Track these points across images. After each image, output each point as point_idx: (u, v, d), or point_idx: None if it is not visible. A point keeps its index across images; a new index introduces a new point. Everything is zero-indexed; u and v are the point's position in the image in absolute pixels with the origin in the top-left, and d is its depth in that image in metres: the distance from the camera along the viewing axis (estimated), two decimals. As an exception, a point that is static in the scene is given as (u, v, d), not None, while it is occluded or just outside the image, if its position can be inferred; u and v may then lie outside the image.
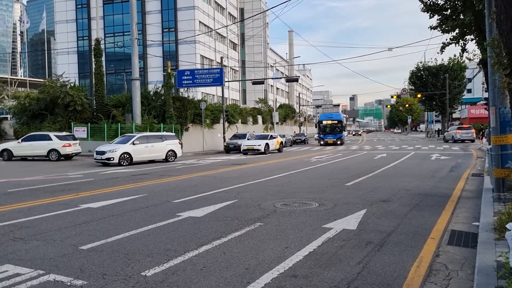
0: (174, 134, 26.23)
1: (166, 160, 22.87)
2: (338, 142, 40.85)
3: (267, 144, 29.35)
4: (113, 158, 20.45)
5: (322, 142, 41.49)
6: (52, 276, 4.63)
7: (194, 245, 5.77)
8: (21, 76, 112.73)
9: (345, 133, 63.91)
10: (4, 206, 9.35)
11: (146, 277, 4.55)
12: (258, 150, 28.65)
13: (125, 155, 20.89)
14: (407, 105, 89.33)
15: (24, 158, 24.92)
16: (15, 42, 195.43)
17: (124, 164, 20.64)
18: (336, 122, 42.78)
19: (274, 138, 31.58)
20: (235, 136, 35.52)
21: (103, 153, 20.71)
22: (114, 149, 20.71)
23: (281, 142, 32.48)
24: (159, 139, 22.91)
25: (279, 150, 31.63)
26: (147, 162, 22.20)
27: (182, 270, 4.78)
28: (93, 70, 35.71)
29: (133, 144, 21.33)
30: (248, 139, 32.43)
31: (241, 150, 29.35)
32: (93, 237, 6.33)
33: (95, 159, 21.09)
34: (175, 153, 23.41)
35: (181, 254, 5.36)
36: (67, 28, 60.57)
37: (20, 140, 25.93)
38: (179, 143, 23.95)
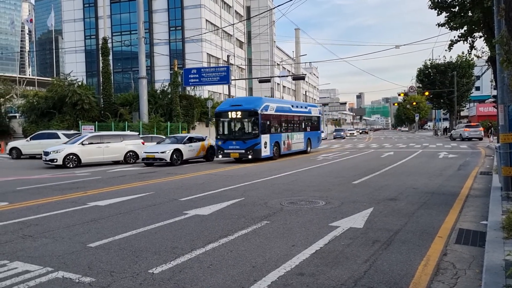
0: (137, 134, 24.17)
1: (125, 161, 20.88)
2: (250, 156, 19.78)
3: (176, 151, 19.51)
4: (57, 159, 18.80)
5: (220, 155, 20.54)
6: (61, 273, 4.67)
7: (201, 243, 5.80)
8: (29, 75, 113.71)
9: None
10: (13, 204, 9.45)
11: (153, 275, 4.58)
12: (162, 159, 19.10)
13: (71, 156, 19.10)
14: (414, 103, 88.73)
15: (32, 156, 25.14)
16: (24, 41, 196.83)
17: (71, 166, 18.87)
18: (248, 113, 20.35)
19: (196, 141, 21.23)
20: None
21: (47, 153, 19.24)
22: (59, 150, 19.17)
23: (210, 147, 21.63)
24: (117, 138, 21.09)
25: (207, 158, 21.54)
26: (101, 165, 20.22)
27: (189, 267, 4.80)
28: (101, 68, 35.96)
29: (82, 144, 19.62)
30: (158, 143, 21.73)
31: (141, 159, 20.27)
32: (101, 235, 6.38)
33: (43, 160, 19.54)
34: (137, 154, 21.08)
35: (188, 252, 5.39)
36: (75, 27, 60.97)
37: (28, 138, 26.21)
38: (143, 143, 21.76)
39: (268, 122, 20.94)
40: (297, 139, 24.37)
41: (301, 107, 26.45)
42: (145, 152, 19.68)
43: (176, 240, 5.99)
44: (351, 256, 5.12)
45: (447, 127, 65.89)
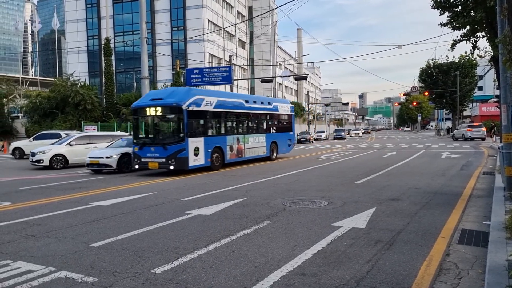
0: (129, 133, 23.26)
1: None
2: (172, 167, 14.92)
3: (126, 155, 16.49)
4: (43, 160, 18.33)
5: (136, 165, 15.67)
6: (64, 273, 4.68)
7: (203, 243, 5.80)
8: (32, 75, 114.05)
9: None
10: (16, 203, 9.48)
11: (156, 275, 4.58)
12: (108, 166, 16.21)
13: (58, 157, 18.64)
14: (415, 103, 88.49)
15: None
16: (26, 41, 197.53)
17: (57, 167, 18.41)
18: (170, 108, 15.51)
19: None
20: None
21: (34, 154, 18.75)
22: (45, 151, 18.70)
23: None
24: (106, 139, 20.15)
25: (120, 169, 16.55)
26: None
27: (191, 267, 4.81)
28: (103, 69, 36.10)
29: (70, 145, 19.08)
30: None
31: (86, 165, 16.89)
32: (103, 235, 6.39)
33: (30, 161, 19.00)
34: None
35: (190, 252, 5.39)
36: (77, 28, 61.10)
37: (31, 138, 26.29)
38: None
39: (201, 121, 16.09)
40: (255, 143, 19.63)
41: (262, 102, 21.01)
42: (89, 157, 16.56)
43: (178, 240, 5.99)
44: (354, 256, 5.12)
45: (450, 127, 65.73)
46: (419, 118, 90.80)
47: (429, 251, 5.30)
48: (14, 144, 26.59)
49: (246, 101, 19.53)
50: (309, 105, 76.51)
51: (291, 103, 25.68)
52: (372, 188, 10.71)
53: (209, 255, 5.28)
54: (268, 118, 21.25)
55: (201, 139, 15.67)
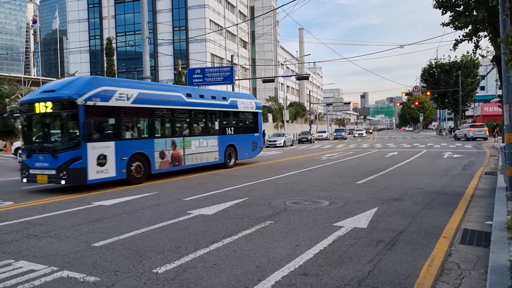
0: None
1: None
2: (63, 181, 11.07)
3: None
4: None
5: (25, 178, 11.81)
6: (66, 273, 4.69)
7: (205, 243, 5.80)
8: (34, 75, 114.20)
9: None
10: (18, 203, 9.51)
11: (157, 274, 4.59)
12: None
13: None
14: (416, 103, 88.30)
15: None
16: (29, 41, 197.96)
17: None
18: (61, 104, 11.47)
19: None
20: None
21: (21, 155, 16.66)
22: None
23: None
24: None
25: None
26: None
27: (193, 267, 4.81)
28: (105, 69, 36.10)
29: None
30: None
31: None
32: (105, 234, 6.40)
33: (18, 162, 18.09)
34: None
35: (192, 252, 5.40)
36: (79, 28, 61.27)
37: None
38: None
39: (110, 121, 12.52)
40: (201, 147, 15.81)
41: (213, 97, 16.96)
42: None
43: (180, 240, 6.00)
44: (355, 256, 5.11)
45: (451, 127, 65.60)
46: (421, 118, 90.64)
47: (431, 251, 5.29)
48: (16, 144, 26.62)
49: (188, 95, 15.43)
50: (311, 105, 76.53)
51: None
52: (374, 188, 10.70)
53: (211, 255, 5.28)
54: (222, 117, 17.41)
55: (111, 143, 12.03)
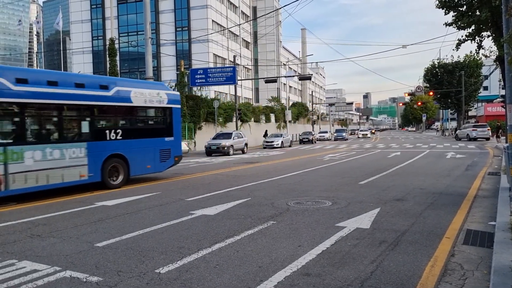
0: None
1: None
2: None
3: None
4: None
5: None
6: (68, 273, 4.71)
7: (208, 243, 5.81)
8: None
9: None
10: (21, 203, 9.54)
11: (160, 274, 4.60)
12: None
13: None
14: (419, 104, 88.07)
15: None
16: (32, 42, 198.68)
17: None
18: None
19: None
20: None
21: None
22: None
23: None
24: None
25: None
26: None
27: (195, 267, 4.82)
28: (108, 69, 36.15)
29: None
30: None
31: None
32: (108, 235, 6.41)
33: None
34: None
35: (194, 252, 5.40)
36: (82, 28, 61.39)
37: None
38: None
39: None
40: (49, 161, 10.31)
41: (78, 85, 11.30)
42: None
43: (182, 240, 6.01)
44: (358, 256, 5.10)
45: (455, 127, 65.38)
46: (424, 118, 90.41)
47: (434, 251, 5.28)
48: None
49: (19, 81, 9.83)
50: (313, 105, 76.42)
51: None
52: (376, 188, 10.68)
53: (213, 255, 5.28)
54: (97, 115, 12.02)
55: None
